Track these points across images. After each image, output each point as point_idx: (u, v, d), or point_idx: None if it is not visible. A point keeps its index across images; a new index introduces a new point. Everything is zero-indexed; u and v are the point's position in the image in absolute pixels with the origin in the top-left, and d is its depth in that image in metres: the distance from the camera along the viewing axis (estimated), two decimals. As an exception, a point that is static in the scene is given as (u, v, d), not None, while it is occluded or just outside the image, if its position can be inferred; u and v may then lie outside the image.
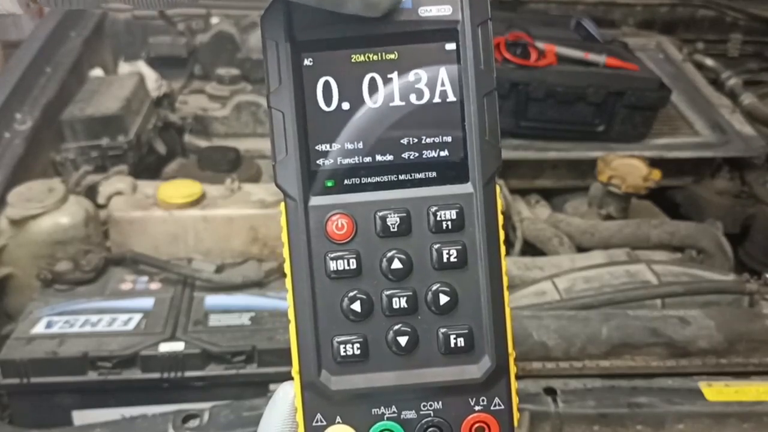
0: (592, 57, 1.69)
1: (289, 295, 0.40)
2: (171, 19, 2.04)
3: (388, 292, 0.40)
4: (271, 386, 1.07)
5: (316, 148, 0.40)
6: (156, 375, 1.07)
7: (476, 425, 0.40)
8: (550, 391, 0.98)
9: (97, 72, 1.77)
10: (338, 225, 0.40)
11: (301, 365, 0.40)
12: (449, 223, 0.40)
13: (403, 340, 0.40)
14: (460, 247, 0.40)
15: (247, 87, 1.91)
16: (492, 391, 0.40)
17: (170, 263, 1.25)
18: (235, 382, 1.08)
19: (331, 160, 0.40)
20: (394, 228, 0.40)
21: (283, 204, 0.40)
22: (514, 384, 0.40)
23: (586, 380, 1.02)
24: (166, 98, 1.80)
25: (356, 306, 0.39)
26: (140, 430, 0.95)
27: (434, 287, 0.40)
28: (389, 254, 0.40)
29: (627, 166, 1.56)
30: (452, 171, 0.40)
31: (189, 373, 1.07)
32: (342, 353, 0.39)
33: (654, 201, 1.71)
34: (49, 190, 1.31)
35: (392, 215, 0.40)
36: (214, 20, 2.08)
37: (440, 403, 0.40)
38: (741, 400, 0.99)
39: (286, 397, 0.41)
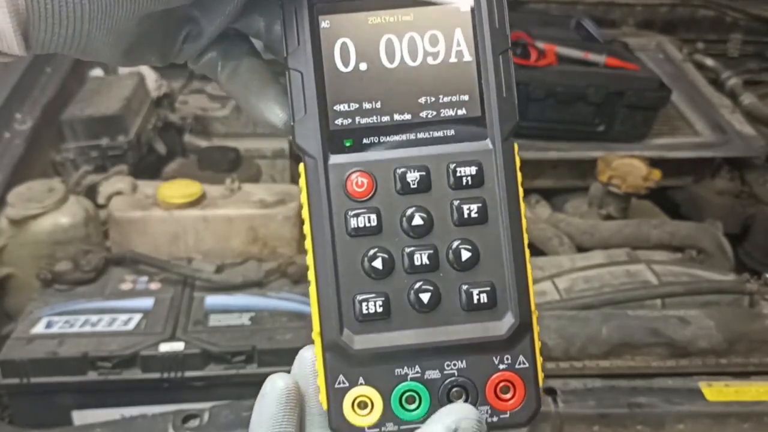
0: (592, 57, 1.69)
1: (309, 256, 0.39)
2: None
3: (408, 249, 0.39)
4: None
5: (335, 108, 0.40)
6: (156, 375, 1.07)
7: (501, 384, 0.39)
8: (550, 391, 0.98)
9: (97, 72, 1.77)
10: (358, 183, 0.39)
11: (323, 326, 0.39)
12: (469, 179, 0.39)
13: (425, 297, 0.39)
14: (480, 204, 0.39)
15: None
16: (516, 349, 0.39)
17: (170, 263, 1.25)
18: (235, 382, 1.08)
19: (350, 120, 0.40)
20: (413, 184, 0.39)
21: (301, 165, 0.40)
22: (537, 344, 0.40)
23: (586, 380, 1.02)
24: (166, 98, 1.79)
25: (377, 263, 0.39)
26: (140, 430, 0.95)
27: (455, 243, 0.39)
28: (409, 211, 0.39)
29: (627, 166, 1.56)
30: (470, 128, 0.40)
31: (189, 373, 1.07)
32: (364, 311, 0.39)
33: (654, 201, 1.70)
34: (49, 190, 1.31)
35: (412, 172, 0.39)
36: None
37: (464, 362, 0.39)
38: (741, 400, 0.99)
39: (274, 388, 0.40)
